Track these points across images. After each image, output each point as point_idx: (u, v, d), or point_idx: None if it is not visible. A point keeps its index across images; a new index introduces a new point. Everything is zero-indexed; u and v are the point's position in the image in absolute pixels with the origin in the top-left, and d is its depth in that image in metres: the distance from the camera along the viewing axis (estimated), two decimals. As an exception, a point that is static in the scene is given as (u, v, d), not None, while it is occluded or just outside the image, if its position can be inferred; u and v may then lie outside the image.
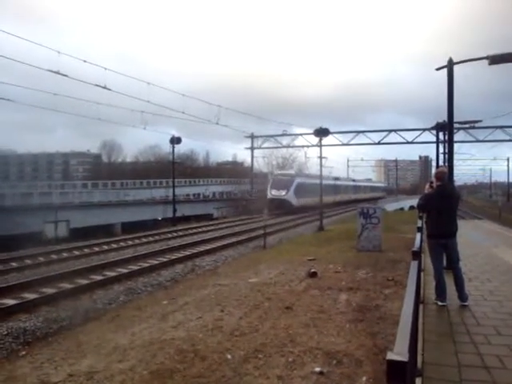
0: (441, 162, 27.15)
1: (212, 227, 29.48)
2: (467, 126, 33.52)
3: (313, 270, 11.28)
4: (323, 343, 6.26)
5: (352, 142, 43.13)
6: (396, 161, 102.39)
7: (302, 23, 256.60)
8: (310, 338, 6.52)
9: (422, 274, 7.84)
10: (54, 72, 14.53)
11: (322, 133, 27.68)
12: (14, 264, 15.36)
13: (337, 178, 41.99)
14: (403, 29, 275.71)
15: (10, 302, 10.18)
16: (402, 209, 63.18)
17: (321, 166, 28.27)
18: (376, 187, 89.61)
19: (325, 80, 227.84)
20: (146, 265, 14.75)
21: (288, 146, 48.14)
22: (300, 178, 45.38)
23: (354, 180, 73.19)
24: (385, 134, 41.17)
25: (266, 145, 46.30)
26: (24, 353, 7.13)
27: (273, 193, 42.67)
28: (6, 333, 8.21)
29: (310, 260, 13.49)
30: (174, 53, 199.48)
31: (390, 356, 1.90)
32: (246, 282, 10.65)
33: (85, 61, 15.67)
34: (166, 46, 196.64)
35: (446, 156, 14.81)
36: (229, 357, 5.86)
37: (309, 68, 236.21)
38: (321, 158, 28.40)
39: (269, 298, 8.94)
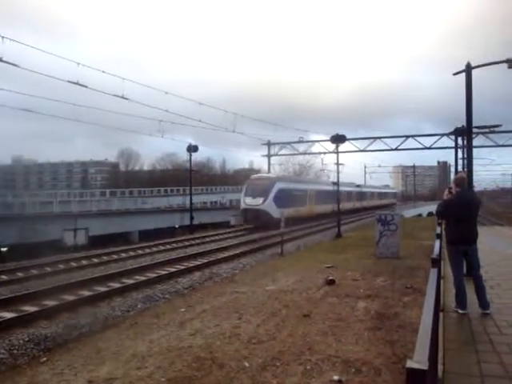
0: (460, 168, 26.83)
1: (229, 235, 29.52)
2: (486, 130, 33.10)
3: (331, 278, 11.22)
4: (341, 351, 6.21)
5: (369, 149, 42.71)
6: (414, 167, 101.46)
7: (318, 29, 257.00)
8: (328, 345, 6.47)
9: (441, 281, 7.74)
10: (73, 83, 14.82)
11: (338, 139, 27.62)
12: (34, 271, 15.58)
13: (335, 183, 38.56)
14: (420, 31, 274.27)
15: (31, 308, 10.33)
16: (420, 215, 62.60)
17: (338, 172, 28.17)
18: (385, 193, 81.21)
19: (341, 85, 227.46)
20: (164, 272, 14.82)
21: (304, 153, 47.90)
22: (282, 183, 36.13)
23: (358, 185, 63.21)
24: (402, 139, 40.71)
25: (282, 152, 46.25)
26: (45, 359, 7.21)
27: (247, 201, 33.84)
28: (27, 339, 8.32)
29: (328, 267, 13.42)
30: (190, 61, 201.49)
31: (410, 364, 1.89)
32: (264, 290, 10.63)
33: (103, 71, 15.97)
34: (182, 54, 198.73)
35: (465, 161, 14.66)
36: (246, 364, 5.85)
37: (324, 74, 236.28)
38: (337, 164, 28.32)
39: (286, 306, 8.91)
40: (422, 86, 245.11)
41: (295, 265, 14.49)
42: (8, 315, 9.73)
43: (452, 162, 34.78)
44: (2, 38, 12.33)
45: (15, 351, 7.83)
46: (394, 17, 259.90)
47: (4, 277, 14.61)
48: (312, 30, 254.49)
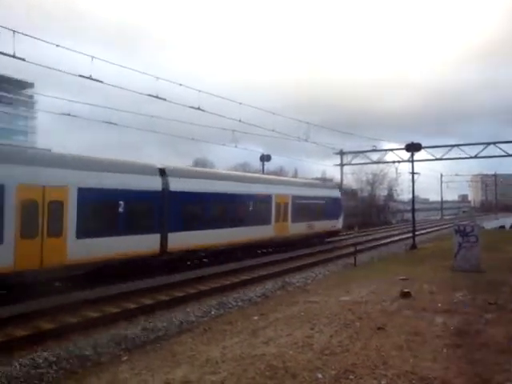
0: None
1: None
2: None
3: (406, 290, 10.88)
4: (418, 368, 5.99)
5: (446, 157, 40.73)
6: (495, 175, 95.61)
7: (389, 33, 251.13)
8: (404, 361, 6.27)
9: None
10: (153, 96, 15.56)
11: (413, 148, 26.71)
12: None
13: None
14: (498, 25, 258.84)
15: (113, 310, 10.92)
16: (502, 227, 58.77)
17: (413, 182, 27.19)
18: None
19: (413, 91, 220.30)
20: (237, 280, 15.08)
21: (378, 162, 46.55)
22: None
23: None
24: (482, 147, 38.48)
25: (355, 161, 45.42)
26: (125, 358, 7.57)
27: None
28: (110, 338, 8.81)
29: (403, 279, 13.01)
30: (267, 72, 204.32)
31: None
32: (337, 300, 10.51)
33: (180, 84, 16.63)
34: (261, 65, 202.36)
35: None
36: (319, 376, 5.81)
37: (397, 79, 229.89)
38: (413, 173, 27.38)
39: (360, 318, 8.75)
40: (506, 85, 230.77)
41: (369, 276, 14.18)
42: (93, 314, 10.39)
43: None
44: (92, 58, 13.28)
45: (99, 349, 8.31)
46: (468, 10, 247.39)
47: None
48: (385, 35, 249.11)
